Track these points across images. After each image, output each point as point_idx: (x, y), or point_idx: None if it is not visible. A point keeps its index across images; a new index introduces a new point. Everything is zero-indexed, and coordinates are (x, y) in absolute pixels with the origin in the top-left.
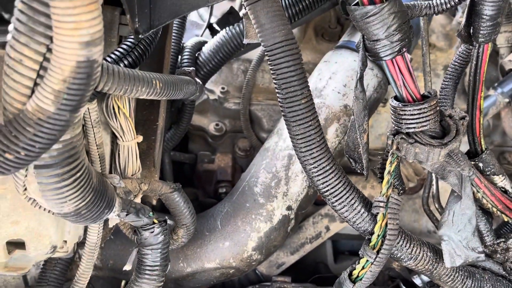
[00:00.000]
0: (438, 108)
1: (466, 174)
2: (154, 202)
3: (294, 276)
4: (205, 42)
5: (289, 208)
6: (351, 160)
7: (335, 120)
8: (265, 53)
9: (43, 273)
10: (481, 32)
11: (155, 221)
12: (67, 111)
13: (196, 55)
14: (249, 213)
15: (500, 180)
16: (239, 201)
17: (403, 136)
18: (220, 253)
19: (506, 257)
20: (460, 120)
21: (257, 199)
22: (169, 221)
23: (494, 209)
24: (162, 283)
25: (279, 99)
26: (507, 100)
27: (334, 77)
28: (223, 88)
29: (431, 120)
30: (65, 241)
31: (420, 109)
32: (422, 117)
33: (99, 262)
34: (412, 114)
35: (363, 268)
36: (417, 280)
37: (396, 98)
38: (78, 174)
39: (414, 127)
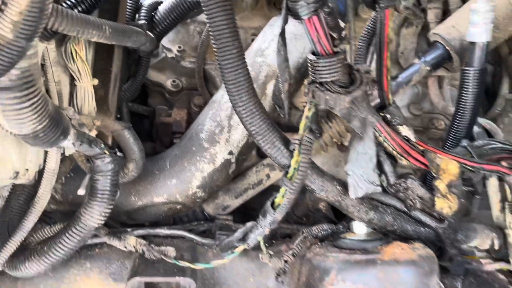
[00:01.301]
0: (346, 62)
1: (369, 119)
2: (109, 142)
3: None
4: (161, 2)
5: (230, 153)
6: (276, 106)
7: (273, 77)
8: (203, 8)
9: (8, 201)
10: None
11: (106, 152)
12: (23, 39)
13: (153, 13)
14: (194, 155)
15: (404, 130)
16: (186, 145)
17: (317, 85)
18: (168, 189)
19: (406, 195)
20: (365, 73)
21: (202, 144)
22: (119, 153)
23: (395, 152)
24: (111, 208)
25: (214, 49)
26: (428, 68)
27: (275, 39)
28: (180, 47)
29: (339, 72)
30: (27, 170)
31: (331, 62)
32: (332, 69)
33: (60, 197)
34: (324, 66)
35: (282, 197)
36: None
37: (313, 53)
38: (35, 99)
39: (325, 77)
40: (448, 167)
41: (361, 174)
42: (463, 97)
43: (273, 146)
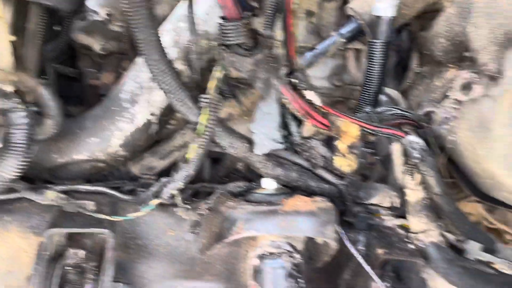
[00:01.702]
0: (251, 27)
1: (272, 82)
2: (28, 98)
3: None
4: None
5: (152, 113)
6: (188, 67)
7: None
8: None
9: None
10: None
11: (20, 105)
12: None
13: None
14: (114, 115)
15: (309, 94)
16: (107, 105)
17: (224, 47)
18: (88, 147)
19: (310, 154)
20: (267, 38)
21: (122, 104)
22: (35, 108)
23: (298, 114)
24: (27, 162)
25: (124, 9)
26: (344, 40)
27: (196, 6)
28: (108, 11)
29: (244, 35)
30: None
31: (236, 26)
32: (237, 32)
33: None
34: (230, 30)
35: (193, 152)
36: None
37: (222, 17)
38: None
39: (231, 40)
40: (349, 129)
41: (265, 133)
42: (370, 67)
43: (183, 104)
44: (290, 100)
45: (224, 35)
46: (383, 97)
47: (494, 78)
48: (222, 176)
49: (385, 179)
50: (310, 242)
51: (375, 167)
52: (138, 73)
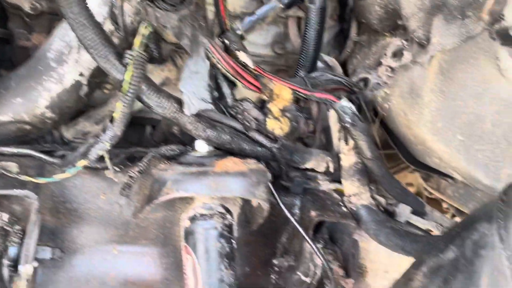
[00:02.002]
0: None
1: (200, 40)
2: None
3: None
4: None
5: (81, 74)
6: (113, 23)
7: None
8: None
9: None
10: None
11: None
12: None
13: None
14: (41, 75)
15: (242, 56)
16: (33, 64)
17: (148, 2)
18: (13, 108)
19: (243, 117)
20: None
21: (49, 63)
22: None
23: (228, 74)
24: None
25: None
26: (282, 6)
27: None
28: None
29: None
30: None
31: None
32: None
33: None
34: None
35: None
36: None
37: None
38: None
39: None
40: (281, 92)
41: (194, 92)
42: (306, 32)
43: (107, 60)
44: (219, 59)
45: None
46: (320, 64)
47: (422, 45)
48: (158, 141)
49: (328, 148)
50: (246, 205)
51: (316, 135)
52: (67, 31)
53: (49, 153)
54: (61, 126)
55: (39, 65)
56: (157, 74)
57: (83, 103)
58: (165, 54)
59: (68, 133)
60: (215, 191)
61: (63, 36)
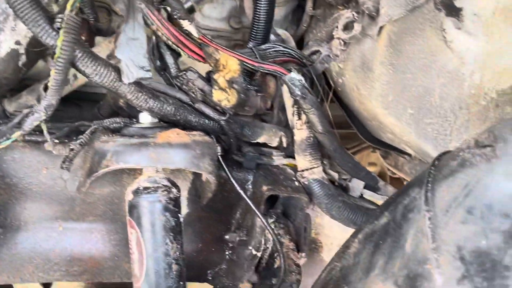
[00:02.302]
0: None
1: (136, 4)
2: None
3: None
4: None
5: (17, 43)
6: None
7: None
8: None
9: None
10: None
11: None
12: None
13: None
14: None
15: (186, 25)
16: None
17: None
18: None
19: (189, 88)
20: None
21: None
22: None
23: (170, 42)
24: None
25: None
26: None
27: None
28: None
29: None
30: None
31: None
32: None
33: None
34: None
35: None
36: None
37: None
38: None
39: None
40: (228, 63)
41: (132, 59)
42: (257, 5)
43: (37, 25)
44: (159, 26)
45: None
46: (273, 37)
47: (372, 16)
48: (104, 115)
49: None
50: (197, 180)
51: (274, 112)
52: None
53: None
54: (3, 100)
55: None
56: (105, 46)
57: (22, 73)
58: (114, 26)
59: (10, 107)
60: (156, 162)
61: None
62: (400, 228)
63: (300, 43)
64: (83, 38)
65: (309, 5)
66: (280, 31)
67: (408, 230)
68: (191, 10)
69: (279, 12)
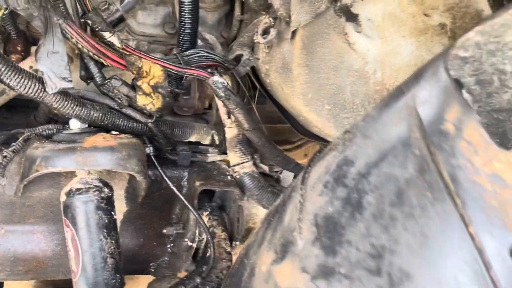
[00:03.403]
0: None
1: (54, 21)
2: None
3: None
4: None
5: None
6: None
7: None
8: None
9: None
10: None
11: None
12: None
13: None
14: None
15: (108, 36)
16: None
17: None
18: None
19: (115, 94)
20: None
21: None
22: None
23: (91, 53)
24: None
25: None
26: None
27: None
28: None
29: None
30: None
31: None
32: None
33: None
34: None
35: None
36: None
37: None
38: None
39: None
40: (152, 70)
41: (53, 71)
42: (181, 11)
43: None
44: (78, 39)
45: None
46: (200, 42)
47: (287, 22)
48: (40, 122)
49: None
50: (133, 179)
51: (213, 111)
52: None
53: None
54: None
55: None
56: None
57: None
58: None
59: None
60: (83, 165)
61: None
62: (284, 206)
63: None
64: (18, 48)
65: (237, 11)
66: (208, 36)
67: (288, 207)
68: (121, 19)
69: (212, 17)
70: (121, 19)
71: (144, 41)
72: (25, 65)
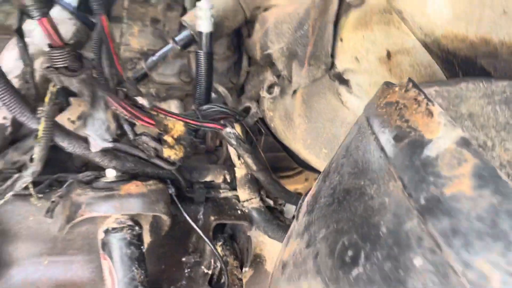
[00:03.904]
0: (74, 52)
1: (98, 94)
2: None
3: None
4: None
5: (4, 118)
6: (26, 83)
7: (40, 55)
8: None
9: None
10: None
11: None
12: None
13: None
14: None
15: (140, 100)
16: None
17: (52, 69)
18: None
19: (144, 147)
20: (91, 60)
21: None
22: None
23: (126, 117)
24: None
25: None
26: (179, 47)
27: (34, 33)
28: None
29: (69, 60)
30: None
31: (61, 52)
32: (63, 58)
33: None
34: (56, 55)
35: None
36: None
37: (48, 45)
38: None
39: (58, 64)
40: (175, 126)
41: (97, 134)
42: (198, 73)
43: (23, 115)
44: (116, 107)
45: (51, 60)
46: (214, 95)
47: (289, 80)
48: (78, 166)
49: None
50: (156, 216)
51: (223, 149)
52: None
53: None
54: None
55: None
56: (75, 108)
57: (9, 139)
58: None
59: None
60: (120, 210)
61: None
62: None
63: (241, 90)
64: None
65: (245, 64)
66: (220, 88)
67: None
68: (145, 75)
69: (222, 66)
70: (145, 75)
71: (163, 88)
72: (64, 117)
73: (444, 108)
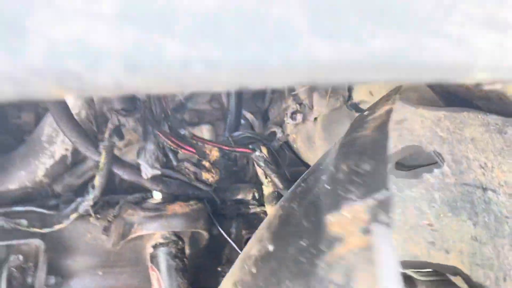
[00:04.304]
0: (131, 95)
1: (149, 130)
2: None
3: None
4: None
5: (66, 149)
6: (88, 120)
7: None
8: None
9: None
10: None
11: None
12: None
13: None
14: (38, 153)
15: (183, 132)
16: (31, 145)
17: (114, 111)
18: (19, 179)
19: (186, 172)
20: (143, 102)
21: (43, 144)
22: None
23: (171, 147)
24: None
25: None
26: None
27: None
28: None
29: (124, 102)
30: None
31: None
32: (120, 100)
33: None
34: (115, 98)
35: (97, 181)
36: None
37: None
38: None
39: (116, 106)
40: (212, 152)
41: (148, 163)
42: (229, 103)
43: (87, 149)
44: (164, 140)
45: (111, 102)
46: (243, 121)
47: (311, 108)
48: (126, 188)
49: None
50: (195, 232)
51: (250, 168)
52: (53, 120)
53: (44, 205)
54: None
55: (35, 146)
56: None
57: (69, 168)
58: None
59: (57, 187)
60: (167, 228)
61: (51, 124)
62: None
63: (265, 113)
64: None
65: (268, 91)
66: (248, 116)
67: None
68: (182, 105)
69: (248, 93)
70: (182, 104)
71: (195, 114)
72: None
73: (451, 131)
